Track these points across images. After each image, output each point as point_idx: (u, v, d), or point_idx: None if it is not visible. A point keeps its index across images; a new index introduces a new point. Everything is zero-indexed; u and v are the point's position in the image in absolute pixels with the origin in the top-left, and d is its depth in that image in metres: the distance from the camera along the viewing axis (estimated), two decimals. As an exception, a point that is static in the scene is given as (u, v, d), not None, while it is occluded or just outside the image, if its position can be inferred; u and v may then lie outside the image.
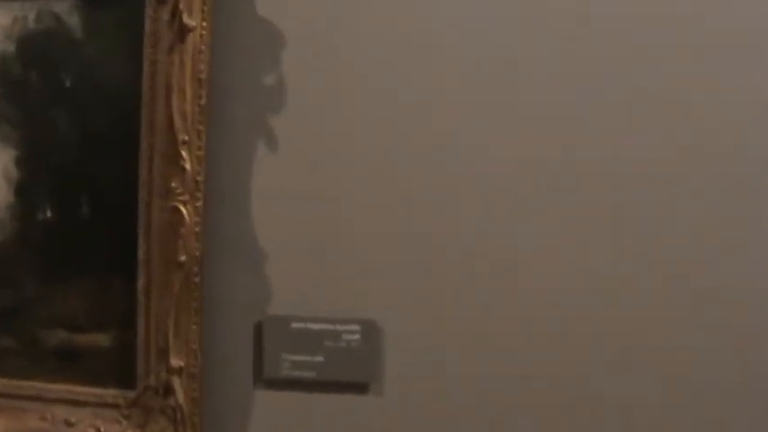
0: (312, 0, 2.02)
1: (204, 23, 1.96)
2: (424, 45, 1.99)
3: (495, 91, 1.99)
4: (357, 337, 2.05)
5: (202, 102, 1.97)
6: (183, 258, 1.95)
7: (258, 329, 2.09)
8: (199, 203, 1.96)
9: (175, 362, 2.02)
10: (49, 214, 2.13)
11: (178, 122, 1.94)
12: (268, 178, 2.07)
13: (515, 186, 1.98)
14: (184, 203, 1.94)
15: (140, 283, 2.05)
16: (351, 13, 2.02)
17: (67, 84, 2.12)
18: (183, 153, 1.94)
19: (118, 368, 2.11)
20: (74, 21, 2.09)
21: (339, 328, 2.06)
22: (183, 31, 1.94)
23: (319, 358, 2.07)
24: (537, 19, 1.98)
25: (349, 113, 2.03)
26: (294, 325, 2.06)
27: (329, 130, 2.04)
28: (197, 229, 1.98)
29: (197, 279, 1.99)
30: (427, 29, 2.00)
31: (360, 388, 1.95)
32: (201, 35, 1.97)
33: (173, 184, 1.96)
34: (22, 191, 2.15)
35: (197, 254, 1.98)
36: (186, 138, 1.92)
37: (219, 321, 2.07)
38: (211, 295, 2.04)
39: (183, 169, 1.94)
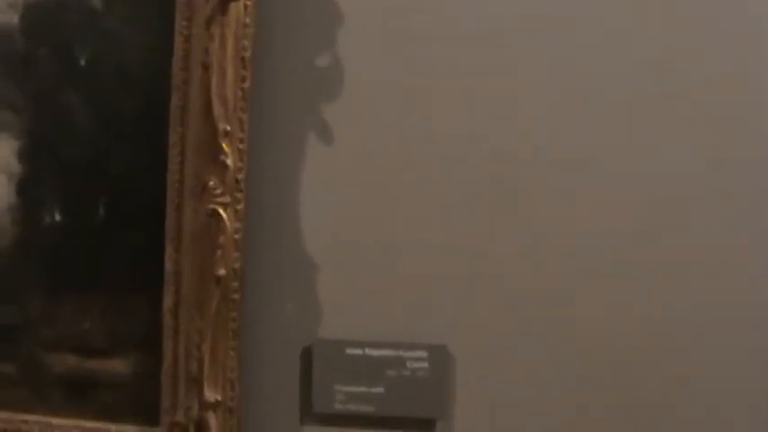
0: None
1: (245, -7, 1.69)
2: (505, 25, 1.88)
3: (585, 90, 1.89)
4: (424, 365, 1.92)
5: (246, 85, 1.81)
6: (221, 272, 1.82)
7: (307, 356, 1.95)
8: (240, 206, 1.82)
9: (210, 394, 1.86)
10: (57, 218, 1.99)
11: (218, 109, 1.79)
12: (319, 177, 1.92)
13: (600, 203, 1.91)
14: (224, 206, 1.81)
15: (168, 300, 1.89)
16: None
17: (82, 62, 1.96)
18: (224, 146, 1.80)
19: (138, 401, 1.95)
20: (91, -13, 1.80)
21: (403, 354, 1.93)
22: (225, 1, 1.77)
23: (379, 390, 1.94)
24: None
25: (416, 101, 1.88)
26: (349, 351, 1.93)
27: (392, 121, 1.89)
28: (237, 237, 1.82)
29: (236, 296, 1.84)
30: (509, 6, 1.86)
31: (426, 424, 1.85)
32: (246, 6, 1.80)
33: (210, 183, 1.81)
34: (26, 189, 2.00)
35: (237, 266, 1.82)
36: (228, 128, 1.79)
37: (261, 346, 1.94)
38: (252, 315, 1.90)
39: (224, 165, 1.80)
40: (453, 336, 1.92)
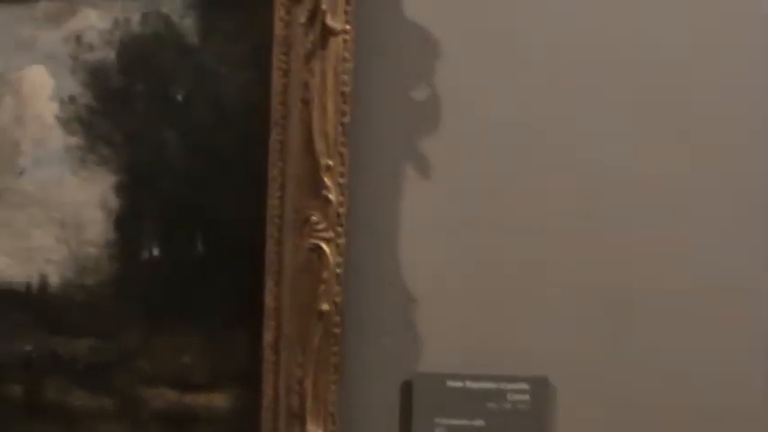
0: (470, 2, 1.93)
1: (348, 27, 1.84)
2: (605, 52, 1.92)
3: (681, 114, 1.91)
4: (525, 397, 1.94)
5: (346, 120, 1.86)
6: (324, 307, 1.85)
7: (407, 389, 1.97)
8: (341, 240, 1.85)
9: (313, 429, 1.89)
10: (155, 253, 2.03)
11: (320, 144, 1.83)
12: (418, 210, 1.96)
13: (703, 228, 1.91)
14: (327, 241, 1.84)
15: (268, 334, 1.93)
16: (514, 18, 1.93)
17: (179, 98, 2.01)
18: (327, 180, 1.83)
19: (238, 435, 1.84)
20: (187, 23, 2.00)
21: (504, 386, 1.94)
22: (325, 36, 1.83)
23: (480, 423, 1.95)
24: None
25: (513, 132, 1.92)
26: (450, 383, 1.95)
27: (491, 154, 1.93)
28: (339, 272, 1.86)
29: (338, 330, 1.87)
30: (609, 41, 1.92)
31: (527, 458, 1.78)
32: (345, 41, 1.85)
33: (313, 218, 1.84)
34: (124, 225, 2.05)
35: (338, 301, 1.86)
36: (330, 162, 1.82)
37: (362, 380, 1.96)
38: (352, 349, 1.93)
39: (326, 200, 1.83)
40: (554, 367, 1.93)
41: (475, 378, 1.94)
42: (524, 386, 1.93)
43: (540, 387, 1.92)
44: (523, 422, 1.93)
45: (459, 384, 1.95)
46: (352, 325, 1.91)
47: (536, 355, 1.92)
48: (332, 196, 1.83)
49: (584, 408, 1.92)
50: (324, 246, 1.83)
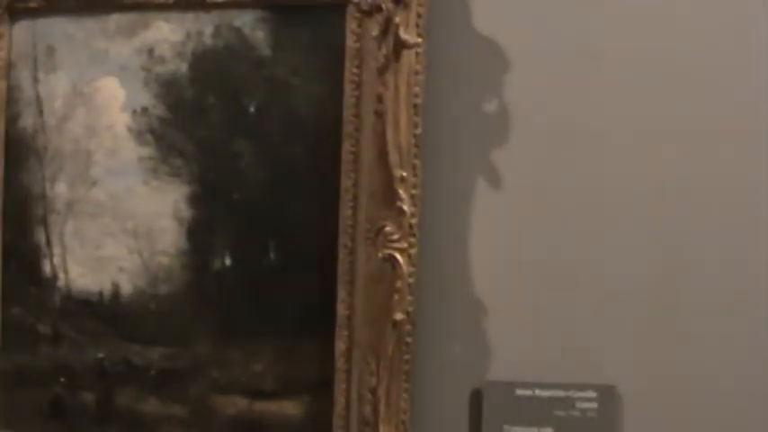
0: (539, 16, 1.97)
1: (419, 40, 1.87)
2: (676, 67, 1.95)
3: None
4: (593, 405, 1.97)
5: (418, 131, 1.90)
6: (398, 316, 1.89)
7: (476, 397, 2.01)
8: (413, 251, 1.90)
9: (385, 436, 1.79)
10: (228, 262, 2.08)
11: (393, 156, 1.87)
12: (489, 221, 2.00)
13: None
14: (401, 251, 1.87)
15: (340, 343, 1.98)
16: (583, 30, 1.97)
17: (252, 109, 2.07)
18: (401, 192, 1.87)
19: (309, 443, 1.88)
20: (259, 36, 2.05)
21: (572, 394, 1.97)
22: (398, 49, 1.86)
23: (548, 430, 1.98)
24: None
25: (584, 144, 1.97)
26: (519, 392, 1.98)
27: (560, 166, 1.97)
28: (411, 282, 1.90)
29: (410, 339, 1.92)
30: (681, 49, 1.95)
31: (595, 465, 1.73)
32: (417, 54, 1.89)
33: (387, 229, 1.88)
34: (196, 235, 2.10)
35: (411, 310, 1.90)
36: (403, 174, 1.86)
37: (431, 388, 2.00)
38: (423, 358, 1.96)
39: (400, 211, 1.87)
40: (622, 376, 1.96)
41: (543, 386, 1.97)
42: (592, 394, 1.96)
43: (608, 395, 1.95)
44: (591, 430, 1.96)
45: (527, 392, 1.97)
46: (423, 334, 1.95)
47: (604, 364, 1.96)
48: (406, 207, 1.86)
49: (651, 416, 1.96)
50: (398, 256, 1.86)
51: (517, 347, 1.99)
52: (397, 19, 1.85)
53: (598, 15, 1.95)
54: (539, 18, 1.97)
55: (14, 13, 2.17)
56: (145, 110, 2.10)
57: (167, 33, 2.08)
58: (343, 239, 1.95)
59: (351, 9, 1.94)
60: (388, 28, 1.87)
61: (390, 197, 1.88)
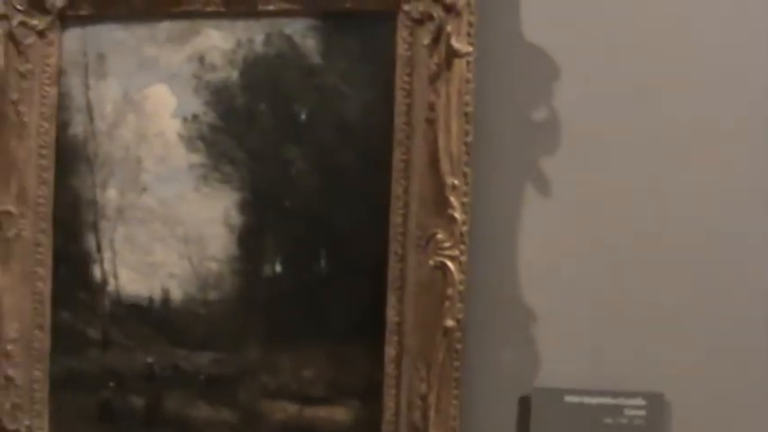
0: (588, 24, 2.00)
1: (470, 49, 1.89)
2: (729, 77, 1.98)
3: None
4: (642, 413, 1.98)
5: (469, 139, 1.93)
6: (449, 323, 1.92)
7: (524, 404, 2.03)
8: (464, 258, 1.92)
9: (434, 443, 1.82)
10: (278, 269, 2.12)
11: (445, 164, 1.90)
12: (538, 228, 2.03)
13: None
14: (452, 259, 1.90)
15: (390, 350, 2.01)
16: (632, 38, 2.00)
17: (302, 117, 2.10)
18: (452, 199, 1.90)
19: (358, 449, 1.91)
20: (309, 44, 2.08)
21: (621, 402, 1.99)
22: (450, 58, 1.91)
23: None
24: None
25: (634, 152, 1.99)
26: (567, 398, 2.00)
27: (610, 174, 2.00)
28: (461, 289, 1.93)
29: (460, 346, 1.95)
30: (733, 61, 1.98)
31: (643, 472, 1.75)
32: (468, 62, 1.93)
33: (438, 236, 1.91)
34: (247, 241, 2.14)
35: (461, 317, 1.93)
36: (455, 182, 1.89)
37: (481, 395, 2.03)
38: (472, 364, 2.00)
39: (452, 218, 1.91)
40: (671, 383, 1.98)
41: (592, 393, 1.99)
42: (641, 402, 1.98)
43: (656, 403, 1.97)
44: (640, 438, 1.85)
45: (576, 399, 2.00)
46: (473, 340, 1.98)
47: (652, 372, 1.98)
48: (457, 215, 1.89)
49: (699, 424, 1.98)
50: (449, 263, 1.90)
51: (566, 354, 2.01)
52: (448, 28, 1.89)
53: (646, 23, 1.98)
54: (587, 26, 2.00)
55: (65, 21, 2.21)
56: (195, 117, 2.14)
57: (218, 41, 2.12)
58: (394, 246, 1.98)
59: (401, 17, 1.98)
60: (439, 36, 1.92)
61: (441, 205, 1.91)
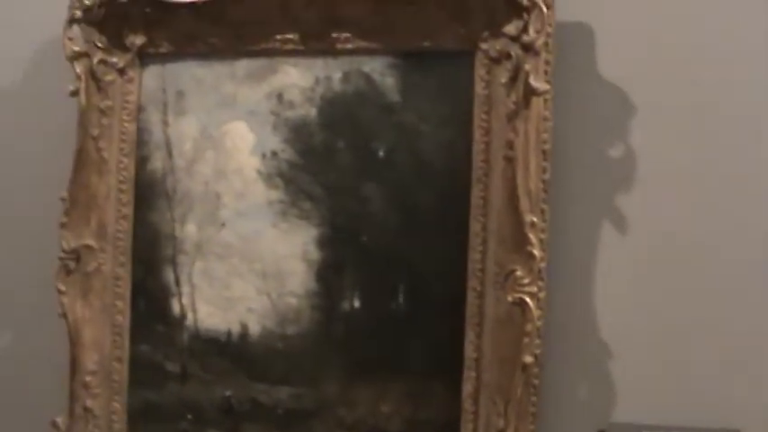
0: (664, 62, 2.03)
1: (548, 87, 1.92)
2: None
3: None
4: None
5: (546, 177, 1.97)
6: (528, 359, 1.94)
7: (601, 439, 1.91)
8: (542, 294, 1.95)
9: (512, 477, 1.85)
10: (356, 304, 2.16)
11: (524, 201, 1.93)
12: (616, 265, 2.06)
13: None
14: (531, 295, 1.92)
15: (468, 385, 2.06)
16: (709, 75, 2.02)
17: (381, 154, 2.15)
18: (531, 236, 1.93)
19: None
20: (388, 82, 2.12)
21: (697, 438, 1.85)
22: (528, 96, 1.93)
23: None
24: None
25: (711, 190, 2.02)
26: (644, 434, 1.87)
27: (686, 210, 2.04)
28: (539, 325, 1.95)
29: (537, 381, 1.98)
30: None
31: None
32: (545, 100, 1.96)
33: (517, 273, 1.94)
34: (325, 276, 2.18)
35: (538, 352, 1.96)
36: (534, 219, 1.91)
37: (557, 429, 2.06)
38: (549, 399, 2.02)
39: (530, 255, 1.93)
40: (747, 420, 1.99)
41: (668, 429, 1.99)
42: (717, 438, 1.86)
43: (733, 439, 1.86)
44: (715, 475, 1.87)
45: (653, 435, 1.88)
46: (550, 375, 2.02)
47: (728, 408, 2.00)
48: (536, 251, 1.92)
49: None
50: (527, 299, 1.93)
51: (642, 390, 2.02)
52: (526, 66, 1.91)
53: (723, 60, 2.01)
54: (663, 63, 2.03)
55: (144, 58, 2.28)
56: (274, 154, 2.19)
57: (296, 78, 2.17)
58: (472, 283, 2.02)
59: (479, 56, 2.02)
60: (517, 75, 1.94)
61: (520, 242, 1.93)
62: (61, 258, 2.25)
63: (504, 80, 1.99)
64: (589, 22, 2.04)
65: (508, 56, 1.97)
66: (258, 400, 2.18)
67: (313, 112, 2.16)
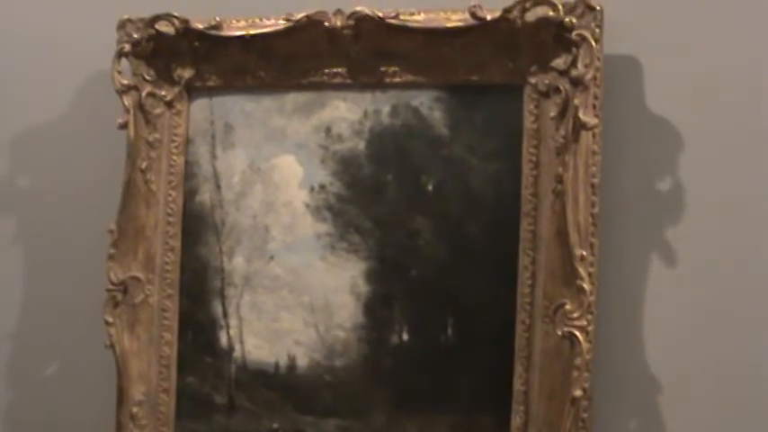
0: (712, 95, 2.06)
1: (597, 121, 1.96)
2: None
3: None
4: None
5: (595, 210, 2.00)
6: (577, 393, 1.96)
7: (651, 476, 1.93)
8: (591, 328, 1.97)
9: None
10: (405, 337, 2.19)
11: (573, 235, 1.95)
12: (665, 298, 2.09)
13: None
14: (581, 329, 1.94)
15: (516, 419, 2.08)
16: (756, 108, 2.05)
17: (429, 187, 2.18)
18: (580, 270, 1.95)
19: None
20: (436, 116, 2.16)
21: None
22: (577, 130, 1.96)
23: None
24: None
25: (759, 223, 2.04)
26: (693, 470, 1.89)
27: (735, 243, 2.05)
28: (588, 358, 1.96)
29: (586, 415, 2.00)
30: None
31: None
32: (594, 134, 1.99)
33: (567, 307, 1.96)
34: (373, 310, 2.22)
35: (587, 386, 1.98)
36: (583, 253, 1.92)
37: None
38: (597, 433, 1.90)
39: (580, 289, 1.95)
40: None
41: (718, 465, 1.90)
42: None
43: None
44: None
45: (701, 471, 1.90)
46: (598, 409, 2.04)
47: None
48: (585, 285, 1.95)
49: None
50: (577, 333, 1.95)
51: (692, 425, 2.06)
52: (576, 101, 1.94)
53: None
54: (711, 97, 2.05)
55: (192, 91, 2.34)
56: (322, 187, 2.23)
57: (344, 112, 2.21)
58: (521, 316, 2.06)
59: (528, 90, 2.06)
60: (565, 109, 1.98)
61: (570, 275, 1.97)
62: (109, 290, 2.30)
63: (552, 114, 2.03)
64: (637, 55, 2.09)
65: (557, 90, 2.01)
66: (306, 433, 2.07)
67: (361, 145, 2.20)
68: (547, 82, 2.04)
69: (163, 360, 2.33)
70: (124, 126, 2.27)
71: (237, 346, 2.26)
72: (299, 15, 2.16)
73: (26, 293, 2.57)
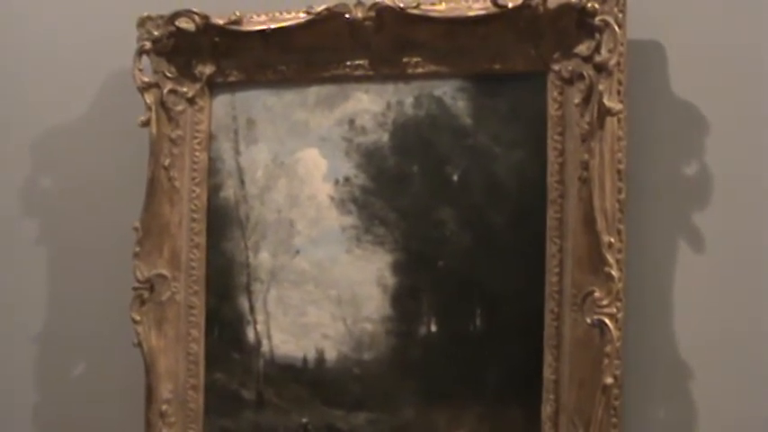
0: (737, 79, 2.07)
1: (622, 107, 1.95)
2: None
3: None
4: None
5: (622, 197, 2.00)
6: (608, 380, 1.96)
7: (681, 462, 1.94)
8: (620, 315, 1.97)
9: (594, 499, 1.89)
10: (433, 328, 2.20)
11: (600, 221, 1.95)
12: (694, 283, 2.09)
13: None
14: (610, 316, 1.94)
15: (547, 407, 2.09)
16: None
17: (454, 177, 2.19)
18: (609, 257, 1.95)
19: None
20: (460, 106, 2.17)
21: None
22: (602, 116, 1.96)
23: None
24: None
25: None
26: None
27: (763, 227, 2.05)
28: (618, 345, 1.97)
29: (617, 402, 2.01)
30: None
31: None
32: (619, 120, 1.99)
33: (595, 294, 1.96)
34: (401, 301, 2.22)
35: (618, 373, 1.98)
36: (611, 239, 1.94)
37: None
38: (630, 421, 2.06)
39: (609, 276, 1.96)
40: None
41: (750, 451, 1.90)
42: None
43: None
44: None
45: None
46: (629, 396, 2.05)
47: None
48: (614, 272, 1.95)
49: None
50: (607, 321, 1.96)
51: (723, 411, 2.06)
52: (600, 87, 1.94)
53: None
54: (737, 81, 2.05)
55: (214, 87, 2.35)
56: (347, 179, 2.25)
57: (367, 104, 2.23)
58: (550, 305, 2.06)
59: (551, 77, 2.07)
60: (590, 95, 1.99)
61: (598, 263, 1.97)
62: (135, 288, 2.31)
63: (577, 101, 2.03)
64: (661, 39, 2.08)
65: (581, 76, 2.01)
66: (335, 426, 2.24)
67: (385, 137, 2.21)
68: (570, 68, 2.04)
69: (191, 357, 2.35)
70: (146, 124, 2.29)
71: (265, 342, 2.27)
72: (320, 8, 2.17)
73: (53, 294, 2.58)
